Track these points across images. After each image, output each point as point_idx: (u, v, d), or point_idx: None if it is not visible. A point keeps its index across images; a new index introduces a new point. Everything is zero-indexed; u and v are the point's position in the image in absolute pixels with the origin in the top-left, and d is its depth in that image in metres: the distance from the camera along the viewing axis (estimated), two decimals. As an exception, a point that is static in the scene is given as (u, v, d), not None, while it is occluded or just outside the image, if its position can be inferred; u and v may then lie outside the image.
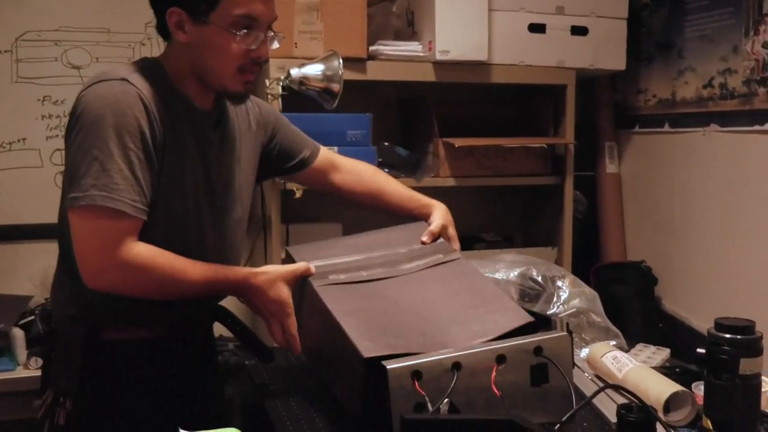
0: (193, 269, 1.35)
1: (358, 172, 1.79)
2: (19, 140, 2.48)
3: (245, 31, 1.34)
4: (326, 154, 1.78)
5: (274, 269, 1.42)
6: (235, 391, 1.99)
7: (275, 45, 1.40)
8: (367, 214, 2.68)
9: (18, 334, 2.20)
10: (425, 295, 1.45)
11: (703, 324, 2.46)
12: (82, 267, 1.29)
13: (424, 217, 1.74)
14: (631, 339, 1.92)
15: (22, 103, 2.49)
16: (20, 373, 2.17)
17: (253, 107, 1.63)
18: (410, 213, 1.77)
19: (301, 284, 1.48)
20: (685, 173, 2.54)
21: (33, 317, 2.26)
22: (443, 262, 1.57)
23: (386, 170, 2.36)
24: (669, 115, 2.58)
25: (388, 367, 1.22)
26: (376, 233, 1.77)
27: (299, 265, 1.44)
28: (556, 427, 1.18)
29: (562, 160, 2.57)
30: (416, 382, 1.22)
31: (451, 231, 1.70)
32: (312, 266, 1.45)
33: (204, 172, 1.44)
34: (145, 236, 1.33)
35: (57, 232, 1.42)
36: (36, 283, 2.41)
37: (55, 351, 1.42)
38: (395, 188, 1.80)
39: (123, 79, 1.31)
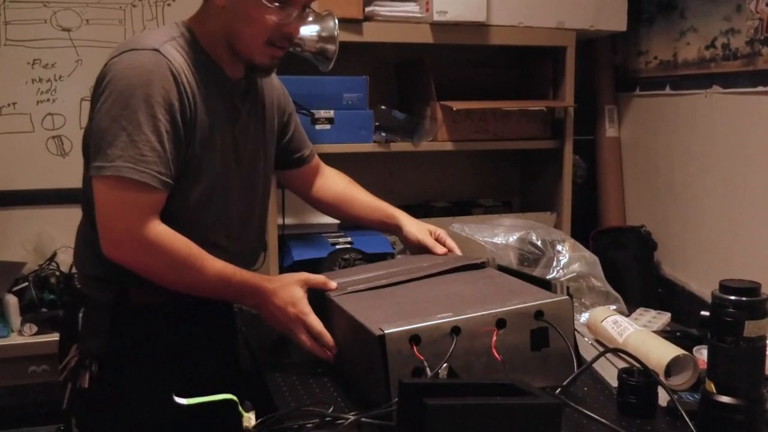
0: (210, 262, 1.33)
1: (331, 180, 1.78)
2: (9, 105, 2.44)
3: (278, 4, 1.32)
4: (317, 158, 1.78)
5: (287, 275, 1.43)
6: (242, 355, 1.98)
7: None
8: (366, 179, 2.65)
9: (11, 300, 2.18)
10: (448, 290, 1.43)
11: (702, 289, 2.45)
12: (102, 236, 1.29)
13: (390, 228, 1.74)
14: (629, 304, 1.90)
15: (12, 67, 2.44)
16: (14, 339, 2.15)
17: (279, 87, 1.63)
18: (376, 222, 1.76)
19: (319, 300, 1.46)
20: (686, 137, 2.50)
21: (27, 284, 2.24)
22: (467, 266, 1.55)
23: (383, 134, 2.34)
24: (670, 77, 2.55)
25: (385, 331, 1.20)
26: (402, 258, 1.78)
27: (317, 277, 1.43)
28: (557, 392, 1.16)
29: (562, 123, 2.54)
30: (414, 347, 1.20)
31: (442, 235, 1.68)
32: (332, 282, 1.43)
33: (232, 141, 1.43)
34: (175, 205, 1.33)
35: (81, 194, 1.42)
36: (29, 249, 2.39)
37: (84, 313, 1.40)
38: (362, 198, 1.77)
39: (154, 50, 1.29)
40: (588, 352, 1.55)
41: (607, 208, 2.79)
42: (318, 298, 1.51)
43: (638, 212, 2.75)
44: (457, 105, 2.34)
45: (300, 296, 1.37)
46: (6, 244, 2.43)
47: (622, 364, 1.42)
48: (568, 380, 1.19)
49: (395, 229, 1.71)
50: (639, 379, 1.27)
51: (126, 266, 1.30)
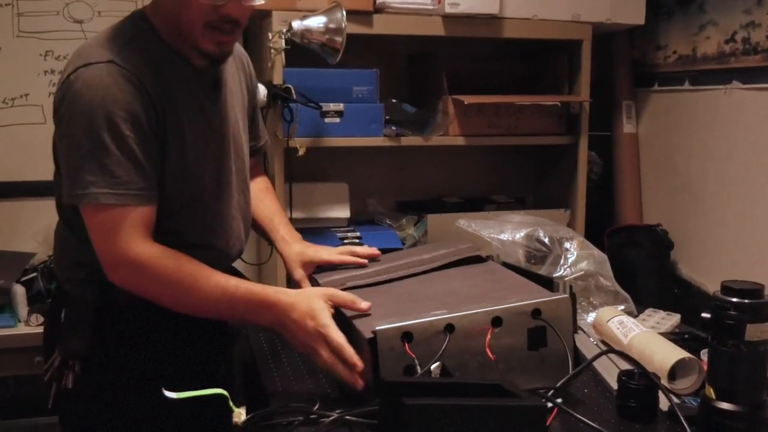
0: (206, 279, 1.26)
1: (253, 181, 1.65)
2: (21, 96, 2.44)
3: None
4: (260, 157, 1.73)
5: (310, 288, 1.38)
6: (236, 353, 1.97)
7: (258, 1, 1.28)
8: (376, 174, 2.66)
9: (19, 290, 2.19)
10: (447, 286, 1.40)
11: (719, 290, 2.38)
12: (100, 262, 1.27)
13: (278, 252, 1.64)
14: (643, 304, 1.86)
15: (24, 58, 2.45)
16: (21, 329, 2.16)
17: (246, 66, 1.57)
18: (263, 235, 1.68)
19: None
20: (705, 133, 2.44)
21: (35, 274, 2.24)
22: (467, 258, 1.52)
23: (393, 128, 2.31)
24: (689, 72, 2.49)
25: (377, 327, 1.18)
26: (404, 250, 1.74)
27: (345, 294, 1.29)
28: (549, 393, 1.12)
29: (577, 118, 2.49)
30: (406, 344, 1.18)
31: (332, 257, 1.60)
32: (363, 303, 1.28)
33: (210, 136, 1.38)
34: (164, 211, 1.29)
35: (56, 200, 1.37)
36: (39, 240, 2.39)
37: (66, 312, 1.37)
38: (265, 212, 1.65)
39: (109, 62, 1.23)
40: (592, 352, 1.51)
41: (623, 205, 2.73)
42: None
43: (655, 210, 2.70)
44: (469, 99, 2.30)
45: (320, 308, 1.24)
46: (17, 235, 2.44)
47: (625, 366, 1.39)
48: (561, 381, 1.15)
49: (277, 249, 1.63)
50: (639, 382, 1.24)
51: (127, 290, 1.27)
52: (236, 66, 1.51)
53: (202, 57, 1.32)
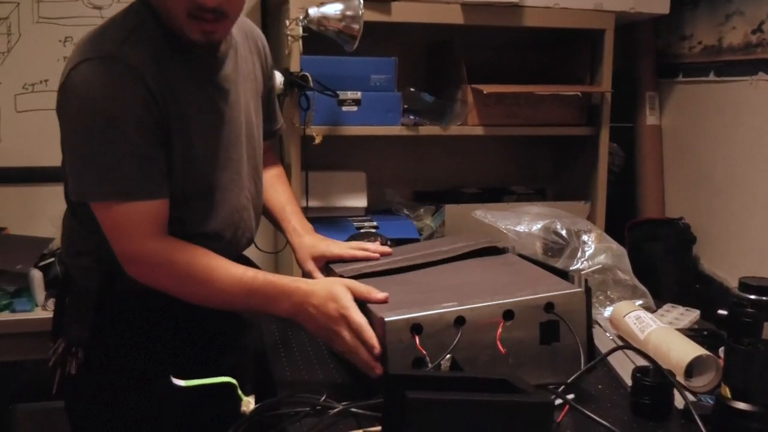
0: (223, 271, 1.26)
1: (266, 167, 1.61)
2: (41, 81, 2.45)
3: None
4: (274, 142, 1.71)
5: (329, 278, 1.37)
6: (248, 344, 1.96)
7: None
8: (393, 163, 2.64)
9: (36, 275, 2.20)
10: (463, 277, 1.38)
11: (741, 285, 2.34)
12: (117, 258, 1.26)
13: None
14: (664, 299, 1.83)
15: (44, 44, 2.45)
16: (38, 314, 2.16)
17: (262, 49, 1.55)
18: (275, 223, 1.66)
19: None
20: (730, 125, 2.39)
21: (52, 259, 2.25)
22: (487, 250, 1.49)
23: (411, 117, 2.29)
24: (715, 62, 2.43)
25: (386, 319, 1.16)
26: (423, 242, 1.68)
27: (361, 285, 1.27)
28: (560, 389, 1.10)
29: (598, 109, 2.44)
30: (416, 337, 1.16)
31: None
32: (379, 294, 1.26)
33: (221, 124, 1.35)
34: (171, 201, 1.28)
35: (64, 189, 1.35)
36: (57, 225, 2.38)
37: (69, 300, 1.38)
38: (277, 200, 1.63)
39: (110, 56, 1.19)
40: (608, 348, 1.48)
41: (644, 198, 2.69)
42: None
43: (677, 204, 2.65)
44: (488, 88, 2.27)
45: (341, 291, 1.23)
46: (34, 221, 2.45)
47: (641, 362, 1.36)
48: (572, 378, 1.13)
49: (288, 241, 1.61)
50: (654, 379, 1.21)
51: (148, 285, 1.27)
52: (250, 49, 1.49)
53: (195, 46, 1.28)
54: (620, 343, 1.54)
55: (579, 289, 1.26)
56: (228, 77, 1.38)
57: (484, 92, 2.27)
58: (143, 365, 1.36)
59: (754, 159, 2.30)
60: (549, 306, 1.23)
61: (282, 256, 2.42)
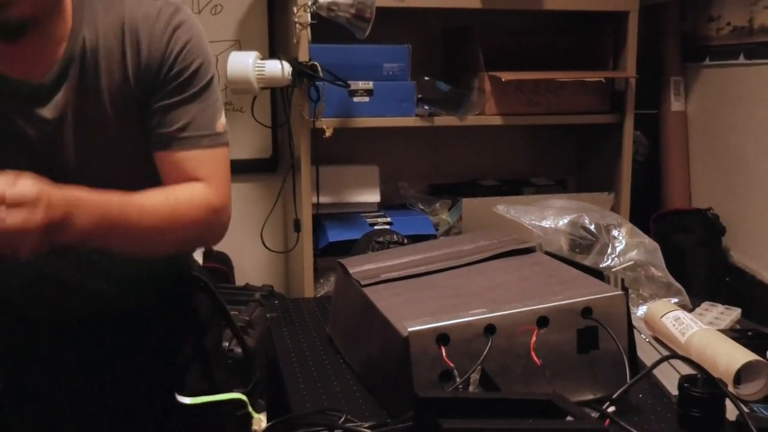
0: None
1: None
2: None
3: None
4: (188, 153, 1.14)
5: None
6: (258, 345, 1.88)
7: None
8: (408, 156, 2.56)
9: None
10: (492, 280, 1.27)
11: (776, 279, 2.24)
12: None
13: None
14: (693, 293, 1.72)
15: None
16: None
17: (136, 44, 1.10)
18: None
19: (344, 288, 1.32)
20: (761, 110, 2.28)
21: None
22: (513, 251, 1.38)
23: (426, 107, 2.19)
24: (745, 45, 2.32)
25: (409, 329, 1.06)
26: (442, 239, 1.57)
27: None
28: (605, 407, 1.00)
29: (622, 96, 2.36)
30: (442, 348, 1.06)
31: None
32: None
33: (20, 150, 1.08)
34: None
35: None
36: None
37: None
38: None
39: None
40: (645, 351, 1.39)
41: (670, 188, 2.59)
42: (345, 288, 1.38)
43: (705, 194, 2.55)
44: (506, 76, 2.17)
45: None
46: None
47: (683, 366, 1.26)
48: (617, 393, 1.02)
49: None
50: (704, 389, 1.10)
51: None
52: (118, 42, 1.10)
53: None
54: (657, 345, 1.44)
55: (619, 292, 1.15)
56: (58, 84, 1.08)
57: (503, 80, 2.17)
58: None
59: None
60: (587, 311, 1.13)
61: (292, 256, 2.33)
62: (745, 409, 1.14)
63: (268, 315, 1.66)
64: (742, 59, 2.34)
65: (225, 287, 1.72)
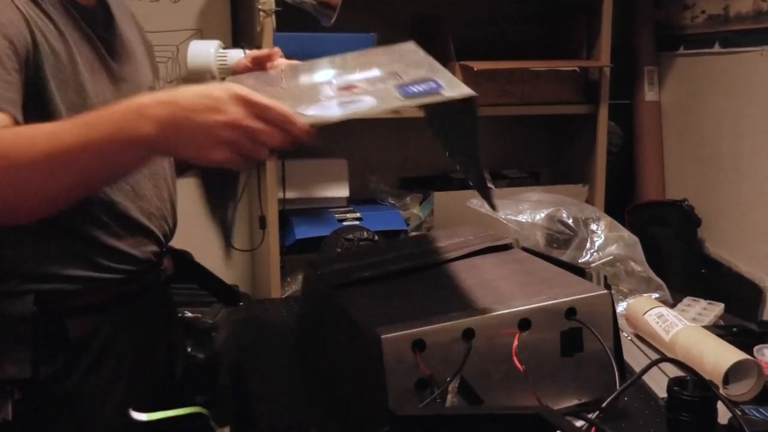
0: (31, 127, 0.91)
1: None
2: None
3: None
4: None
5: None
6: (223, 349, 1.79)
7: None
8: (377, 149, 2.48)
9: None
10: (470, 280, 1.20)
11: (753, 271, 2.21)
12: None
13: None
14: (669, 286, 1.67)
15: None
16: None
17: (133, 17, 1.30)
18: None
19: (313, 289, 1.24)
20: (737, 100, 2.25)
21: None
22: (490, 248, 1.31)
23: (396, 98, 2.12)
24: (720, 33, 2.29)
25: (382, 335, 0.98)
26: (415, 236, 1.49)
27: (266, 99, 0.87)
28: (593, 416, 0.93)
29: (596, 86, 2.30)
30: (418, 355, 0.99)
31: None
32: (300, 119, 0.89)
33: (111, 83, 1.13)
34: None
35: None
36: None
37: None
38: None
39: None
40: (627, 350, 1.33)
41: (645, 180, 2.56)
42: (314, 289, 1.30)
43: (680, 185, 2.52)
44: (478, 65, 2.11)
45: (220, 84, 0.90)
46: None
47: (669, 366, 1.20)
48: (606, 401, 0.96)
49: None
50: (694, 392, 1.04)
51: None
52: (125, 14, 1.26)
53: None
54: (639, 344, 1.39)
55: (604, 291, 1.10)
56: (122, 40, 1.17)
57: (475, 69, 2.11)
58: (101, 402, 1.15)
59: (763, 134, 2.17)
60: (571, 311, 1.06)
61: (258, 254, 2.24)
62: (738, 412, 1.09)
63: (232, 318, 1.58)
64: (717, 48, 2.30)
65: (186, 288, 1.61)
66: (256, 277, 2.37)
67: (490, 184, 1.16)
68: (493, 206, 1.19)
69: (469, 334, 1.01)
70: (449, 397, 1.00)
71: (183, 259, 1.37)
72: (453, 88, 0.99)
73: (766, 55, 2.12)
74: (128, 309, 1.18)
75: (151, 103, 0.84)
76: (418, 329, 1.00)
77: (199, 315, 1.90)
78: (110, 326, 1.15)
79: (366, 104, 0.96)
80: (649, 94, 2.54)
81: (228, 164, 0.85)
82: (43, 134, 0.87)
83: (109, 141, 0.85)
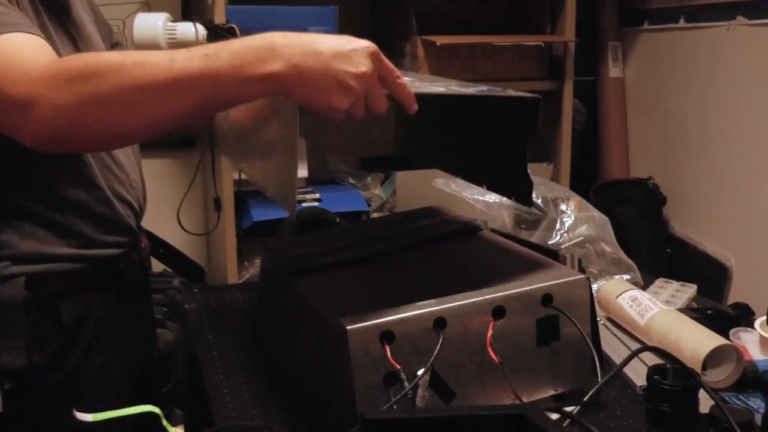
0: (147, 53, 0.88)
1: None
2: None
3: None
4: None
5: None
6: (178, 339, 1.71)
7: None
8: (336, 127, 2.39)
9: None
10: (439, 265, 1.14)
11: (718, 250, 2.19)
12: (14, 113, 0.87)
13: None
14: (635, 264, 1.63)
15: None
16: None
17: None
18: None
19: (271, 277, 1.18)
20: (703, 76, 2.22)
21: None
22: (460, 230, 1.24)
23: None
24: (685, 7, 2.25)
25: (347, 327, 0.91)
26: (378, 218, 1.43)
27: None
28: (574, 410, 0.88)
29: (561, 62, 2.26)
30: (386, 347, 0.92)
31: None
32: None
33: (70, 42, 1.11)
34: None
35: None
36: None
37: None
38: None
39: None
40: (601, 336, 1.28)
41: (609, 158, 2.52)
42: (273, 277, 1.22)
43: (644, 163, 2.49)
44: (441, 40, 2.05)
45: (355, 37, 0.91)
46: None
47: (646, 353, 1.15)
48: (587, 396, 0.90)
49: None
50: (674, 381, 1.00)
51: (58, 143, 0.90)
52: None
53: None
54: (612, 328, 1.34)
55: (582, 276, 1.04)
56: (81, 19, 1.15)
57: (437, 44, 2.05)
58: (96, 389, 1.11)
59: (729, 111, 2.14)
60: (547, 298, 1.01)
61: (213, 238, 2.15)
62: (719, 399, 1.05)
63: (186, 306, 1.50)
64: (682, 23, 2.27)
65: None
66: (212, 262, 2.28)
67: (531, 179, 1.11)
68: (528, 203, 1.14)
69: (440, 323, 0.95)
70: (420, 391, 0.94)
71: (150, 235, 1.32)
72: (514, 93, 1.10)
73: (732, 30, 2.09)
74: (117, 290, 1.15)
75: (285, 42, 0.86)
76: (385, 319, 0.93)
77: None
78: (102, 308, 1.12)
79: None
80: (613, 71, 2.51)
81: (344, 113, 0.90)
82: (155, 59, 0.86)
83: (232, 73, 0.85)
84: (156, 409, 0.96)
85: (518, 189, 1.12)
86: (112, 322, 1.14)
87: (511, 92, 1.09)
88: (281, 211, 1.97)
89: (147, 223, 1.51)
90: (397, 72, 0.93)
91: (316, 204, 2.00)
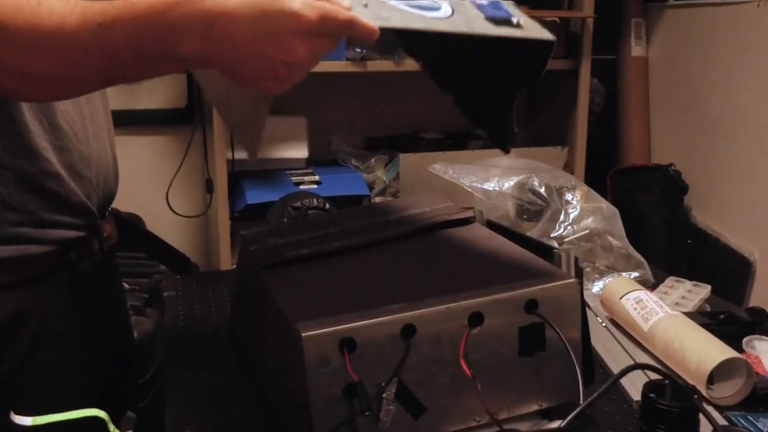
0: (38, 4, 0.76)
1: None
2: None
3: None
4: None
5: None
6: (157, 328, 1.64)
7: None
8: (340, 106, 2.33)
9: None
10: (418, 263, 1.05)
11: (742, 243, 2.09)
12: None
13: None
14: (652, 258, 1.54)
15: None
16: None
17: None
18: None
19: (245, 268, 1.11)
20: (730, 56, 2.13)
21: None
22: (447, 222, 1.15)
23: (358, 50, 1.97)
24: (714, -18, 2.17)
25: (303, 333, 0.82)
26: (368, 206, 1.34)
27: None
28: (558, 427, 0.78)
29: (578, 39, 2.17)
30: (347, 356, 0.83)
31: None
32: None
33: None
34: None
35: None
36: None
37: None
38: None
39: None
40: (600, 339, 1.20)
41: (629, 142, 2.44)
42: (246, 268, 1.14)
43: (666, 148, 2.40)
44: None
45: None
46: None
47: (646, 359, 1.06)
48: (569, 418, 0.80)
49: None
50: (672, 401, 0.90)
51: None
52: None
53: None
54: (614, 331, 1.25)
55: (571, 279, 0.94)
56: None
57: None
58: (45, 391, 1.03)
59: (759, 94, 2.04)
60: (531, 304, 0.91)
61: (207, 220, 2.08)
62: (722, 421, 0.95)
63: (165, 294, 1.43)
64: (710, -1, 2.17)
65: (124, 256, 1.46)
66: (208, 246, 2.22)
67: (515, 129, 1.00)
68: (506, 150, 1.05)
69: (408, 330, 0.86)
70: (384, 405, 0.85)
71: (128, 225, 1.25)
72: (527, 24, 0.90)
73: (763, 7, 2.00)
74: (67, 283, 1.05)
75: (194, 21, 0.73)
76: (346, 325, 0.84)
77: (137, 287, 1.74)
78: (48, 302, 1.02)
79: (442, 14, 0.86)
80: (636, 49, 2.43)
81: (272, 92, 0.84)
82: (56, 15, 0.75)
83: (132, 51, 0.75)
84: (102, 413, 0.90)
85: (495, 127, 1.02)
86: (64, 317, 1.05)
87: (521, 30, 0.88)
88: (277, 193, 1.89)
89: (134, 205, 1.45)
90: (341, 13, 0.76)
91: (312, 187, 1.91)
